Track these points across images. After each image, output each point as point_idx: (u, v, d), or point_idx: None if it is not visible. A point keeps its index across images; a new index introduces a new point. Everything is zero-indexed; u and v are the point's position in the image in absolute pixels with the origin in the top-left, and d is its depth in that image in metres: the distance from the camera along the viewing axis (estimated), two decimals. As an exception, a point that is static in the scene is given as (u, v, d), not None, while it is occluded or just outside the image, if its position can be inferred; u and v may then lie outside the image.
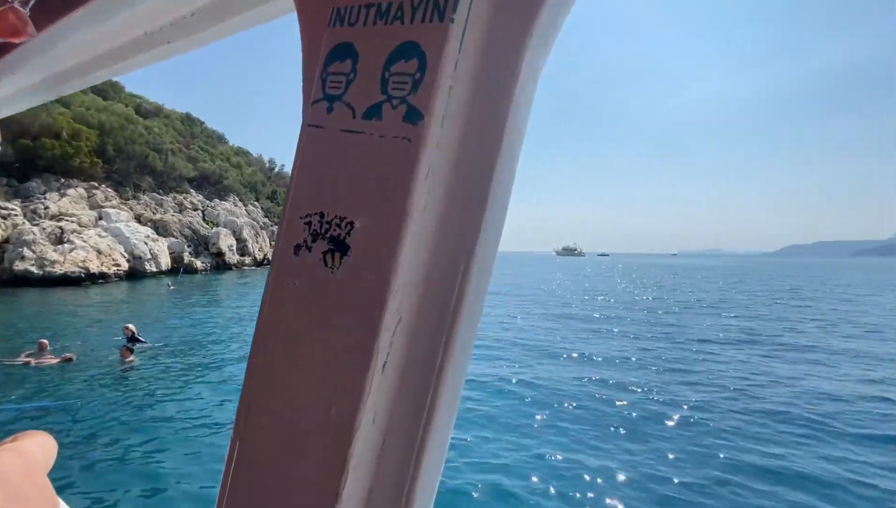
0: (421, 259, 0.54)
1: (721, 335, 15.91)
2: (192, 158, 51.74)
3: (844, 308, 25.08)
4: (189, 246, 41.47)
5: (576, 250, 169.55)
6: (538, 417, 7.58)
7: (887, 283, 49.22)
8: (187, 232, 42.90)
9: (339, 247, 0.55)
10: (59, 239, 30.24)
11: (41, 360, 9.82)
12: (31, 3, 1.00)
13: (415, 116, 0.53)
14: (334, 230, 0.56)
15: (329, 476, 0.51)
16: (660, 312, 21.87)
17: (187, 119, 59.14)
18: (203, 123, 62.73)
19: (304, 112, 0.62)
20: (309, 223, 0.58)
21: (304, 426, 0.54)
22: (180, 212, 45.22)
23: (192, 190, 49.60)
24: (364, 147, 0.56)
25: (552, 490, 5.40)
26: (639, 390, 9.26)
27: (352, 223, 0.54)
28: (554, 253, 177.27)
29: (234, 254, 45.89)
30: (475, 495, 5.19)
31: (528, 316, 19.78)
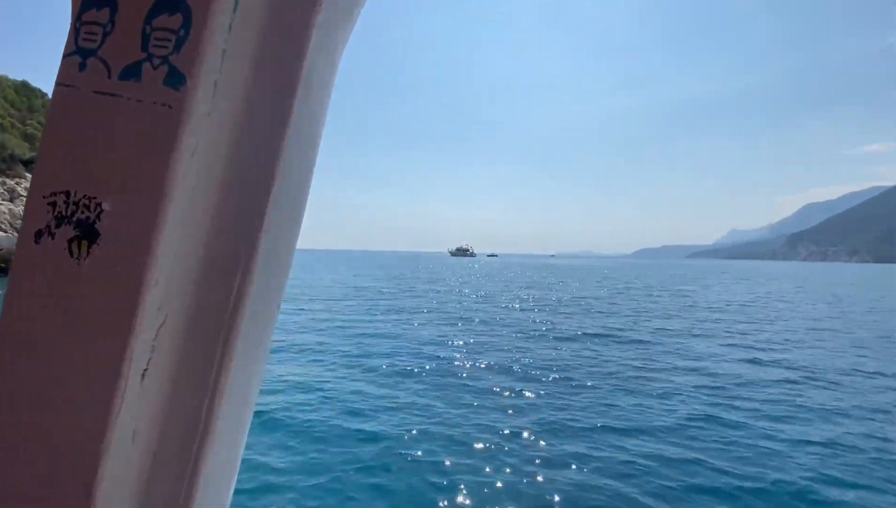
0: (188, 250, 0.47)
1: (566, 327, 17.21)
2: (28, 137, 43.06)
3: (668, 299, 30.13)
4: (25, 242, 34.44)
5: (468, 250, 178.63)
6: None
7: (693, 278, 60.95)
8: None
9: (87, 233, 0.45)
10: None
11: None
12: None
13: (177, 79, 0.46)
14: (82, 213, 0.46)
15: (75, 502, 0.42)
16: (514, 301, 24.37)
17: (24, 88, 48.92)
18: (46, 94, 52.43)
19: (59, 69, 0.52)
20: (53, 204, 0.47)
21: (50, 446, 0.45)
22: (11, 201, 37.46)
23: (28, 174, 41.34)
24: (120, 113, 0.47)
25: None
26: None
27: (101, 205, 0.45)
28: (448, 253, 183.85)
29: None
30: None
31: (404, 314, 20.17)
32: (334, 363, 10.28)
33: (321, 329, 14.28)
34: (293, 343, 11.98)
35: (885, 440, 6.48)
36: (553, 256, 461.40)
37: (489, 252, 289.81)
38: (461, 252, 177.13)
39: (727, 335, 15.67)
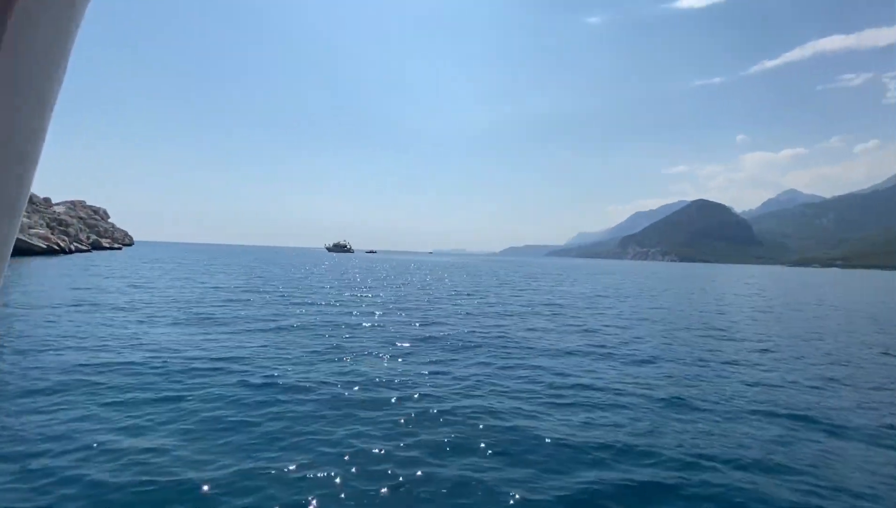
0: None
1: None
2: None
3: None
4: None
5: (346, 246, 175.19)
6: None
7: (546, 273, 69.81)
8: None
9: None
10: None
11: None
12: None
13: None
14: None
15: None
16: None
17: None
18: None
19: None
20: None
21: None
22: None
23: None
24: None
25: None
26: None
27: None
28: (325, 249, 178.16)
29: None
30: None
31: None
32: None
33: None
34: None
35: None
36: (431, 253, 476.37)
37: (368, 249, 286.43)
38: (338, 248, 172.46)
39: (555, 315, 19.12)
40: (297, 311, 16.65)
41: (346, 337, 12.20)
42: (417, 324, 14.85)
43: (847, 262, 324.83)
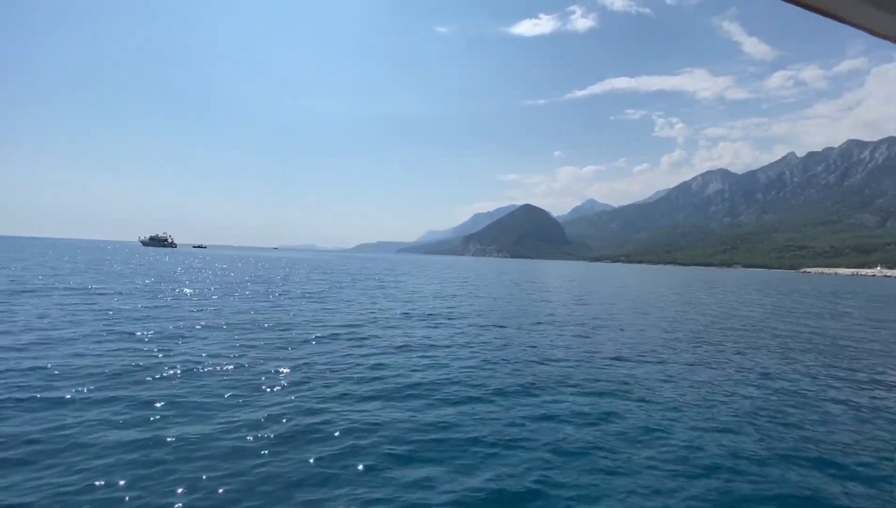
0: None
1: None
2: None
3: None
4: None
5: (167, 240, 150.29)
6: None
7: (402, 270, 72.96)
8: None
9: None
10: None
11: None
12: None
13: None
14: None
15: None
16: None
17: None
18: None
19: None
20: None
21: None
22: None
23: None
24: None
25: None
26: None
27: None
28: (140, 243, 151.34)
29: None
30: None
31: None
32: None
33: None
34: None
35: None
36: (276, 249, 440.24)
37: (195, 243, 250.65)
38: (156, 242, 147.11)
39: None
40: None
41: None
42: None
43: (628, 258, 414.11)
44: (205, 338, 11.73)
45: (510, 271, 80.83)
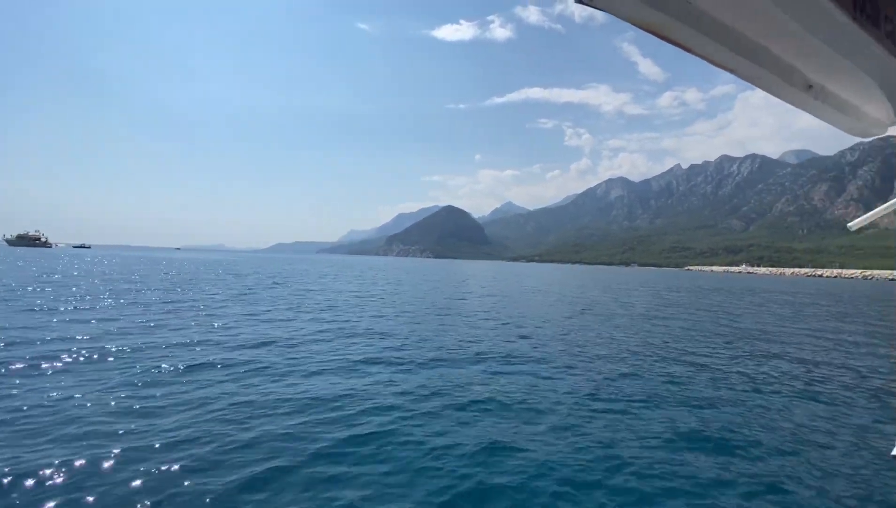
0: None
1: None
2: None
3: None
4: None
5: (39, 239, 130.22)
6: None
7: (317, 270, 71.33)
8: None
9: None
10: None
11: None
12: None
13: None
14: None
15: None
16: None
17: None
18: None
19: None
20: None
21: None
22: None
23: None
24: None
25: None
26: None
27: None
28: (4, 242, 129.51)
29: None
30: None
31: None
32: None
33: None
34: None
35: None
36: (178, 249, 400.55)
37: (76, 243, 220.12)
38: (26, 241, 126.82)
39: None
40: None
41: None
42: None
43: (541, 258, 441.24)
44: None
45: (433, 274, 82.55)
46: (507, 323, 17.56)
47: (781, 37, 1.22)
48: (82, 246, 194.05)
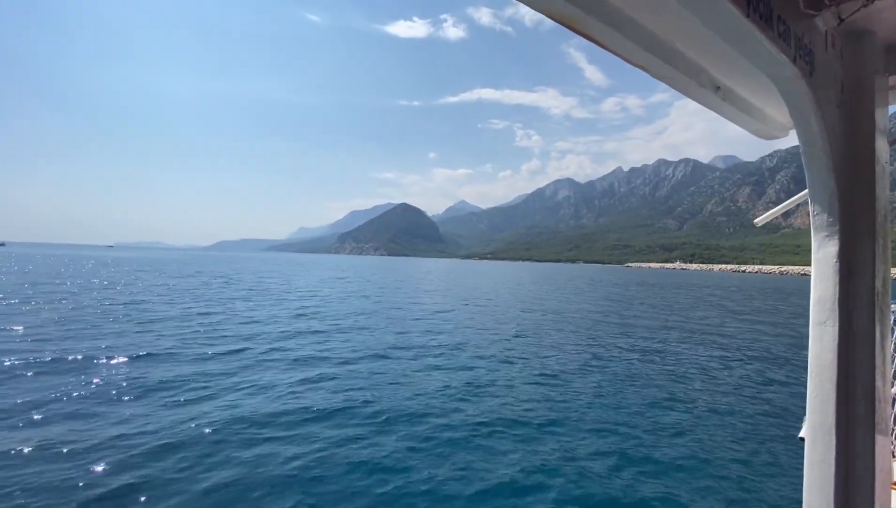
0: None
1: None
2: None
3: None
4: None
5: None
6: None
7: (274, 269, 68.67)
8: None
9: None
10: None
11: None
12: None
13: None
14: None
15: None
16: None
17: None
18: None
19: None
20: None
21: None
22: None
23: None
24: None
25: None
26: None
27: None
28: None
29: None
30: None
31: None
32: None
33: None
34: None
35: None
36: (111, 247, 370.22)
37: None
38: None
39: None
40: None
41: None
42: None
43: (494, 255, 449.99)
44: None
45: (391, 279, 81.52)
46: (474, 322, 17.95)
47: (688, 36, 1.25)
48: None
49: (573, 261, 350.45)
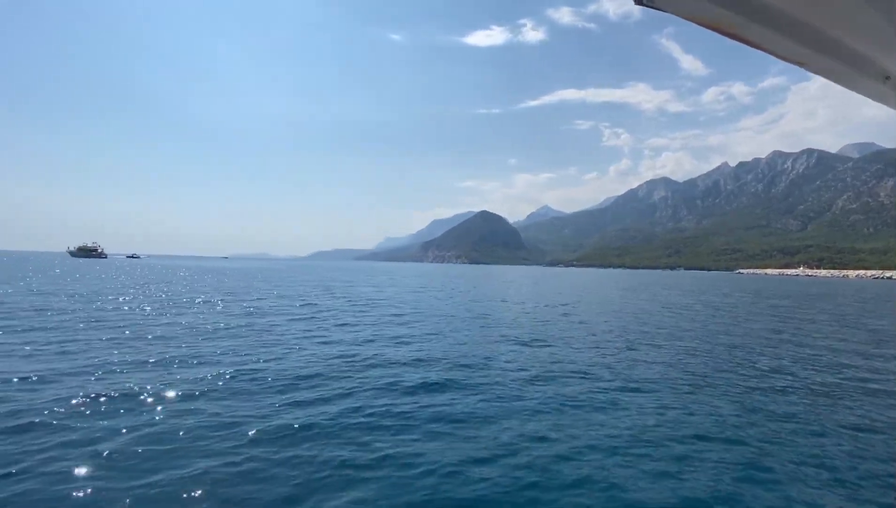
0: None
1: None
2: None
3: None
4: None
5: (96, 250, 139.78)
6: None
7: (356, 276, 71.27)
8: None
9: None
10: None
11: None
12: None
13: None
14: None
15: None
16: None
17: None
18: None
19: None
20: None
21: None
22: None
23: None
24: None
25: None
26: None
27: None
28: (68, 253, 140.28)
29: None
30: None
31: None
32: None
33: None
34: None
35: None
36: (226, 258, 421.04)
37: (129, 253, 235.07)
38: (85, 252, 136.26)
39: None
40: None
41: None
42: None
43: (580, 262, 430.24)
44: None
45: (495, 273, 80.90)
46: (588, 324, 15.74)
47: (857, 28, 1.19)
48: (134, 256, 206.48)
49: (672, 267, 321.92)
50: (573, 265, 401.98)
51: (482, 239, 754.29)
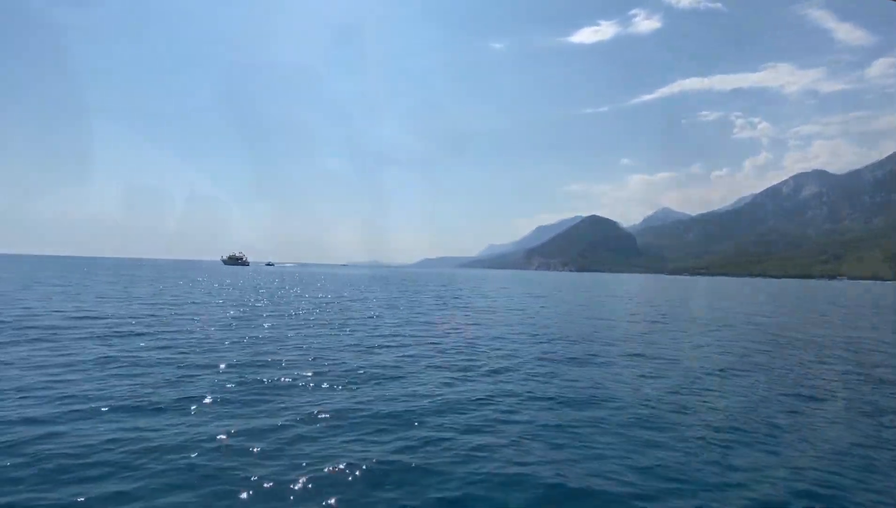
0: None
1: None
2: None
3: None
4: None
5: (241, 258, 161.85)
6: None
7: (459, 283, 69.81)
8: None
9: None
10: None
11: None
12: None
13: None
14: None
15: None
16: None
17: None
18: None
19: None
20: None
21: None
22: None
23: None
24: None
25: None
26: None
27: None
28: (221, 261, 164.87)
29: None
30: None
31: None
32: None
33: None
34: None
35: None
36: (345, 265, 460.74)
37: (266, 261, 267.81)
38: (234, 260, 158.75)
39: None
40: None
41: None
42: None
43: (709, 271, 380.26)
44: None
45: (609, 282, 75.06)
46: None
47: None
48: (270, 264, 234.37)
49: (830, 276, 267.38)
50: (700, 274, 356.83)
51: (591, 245, 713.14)
